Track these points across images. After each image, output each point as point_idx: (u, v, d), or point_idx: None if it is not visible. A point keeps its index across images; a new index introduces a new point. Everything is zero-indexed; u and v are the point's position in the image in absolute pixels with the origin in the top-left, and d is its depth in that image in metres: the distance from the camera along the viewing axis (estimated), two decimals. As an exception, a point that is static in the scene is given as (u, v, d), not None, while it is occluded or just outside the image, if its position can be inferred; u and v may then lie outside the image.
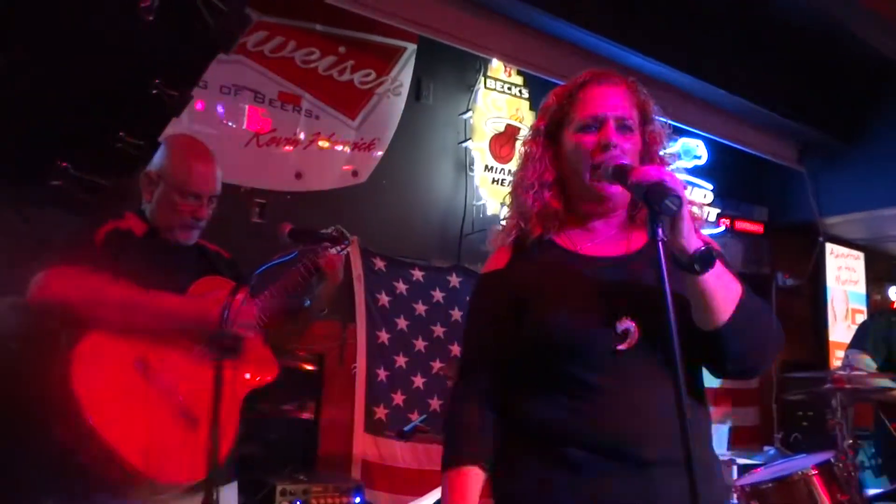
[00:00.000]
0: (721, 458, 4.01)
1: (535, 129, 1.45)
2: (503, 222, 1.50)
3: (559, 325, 1.29)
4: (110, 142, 0.92)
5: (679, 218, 1.16)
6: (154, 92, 0.92)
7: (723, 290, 1.23)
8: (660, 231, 1.13)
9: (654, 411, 1.23)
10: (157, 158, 1.88)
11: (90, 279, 1.66)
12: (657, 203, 1.13)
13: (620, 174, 1.25)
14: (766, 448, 4.56)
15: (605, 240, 1.40)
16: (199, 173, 1.90)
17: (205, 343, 1.81)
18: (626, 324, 1.27)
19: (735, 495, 2.73)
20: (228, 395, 1.77)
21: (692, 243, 1.18)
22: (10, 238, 1.58)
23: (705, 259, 1.18)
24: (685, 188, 1.19)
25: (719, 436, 4.34)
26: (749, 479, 2.84)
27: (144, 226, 1.88)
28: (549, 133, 1.42)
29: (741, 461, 3.66)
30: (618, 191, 1.33)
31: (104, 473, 1.60)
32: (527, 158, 1.44)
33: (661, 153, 1.43)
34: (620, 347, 1.26)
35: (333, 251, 2.07)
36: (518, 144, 1.58)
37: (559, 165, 1.40)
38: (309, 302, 2.09)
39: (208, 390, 1.76)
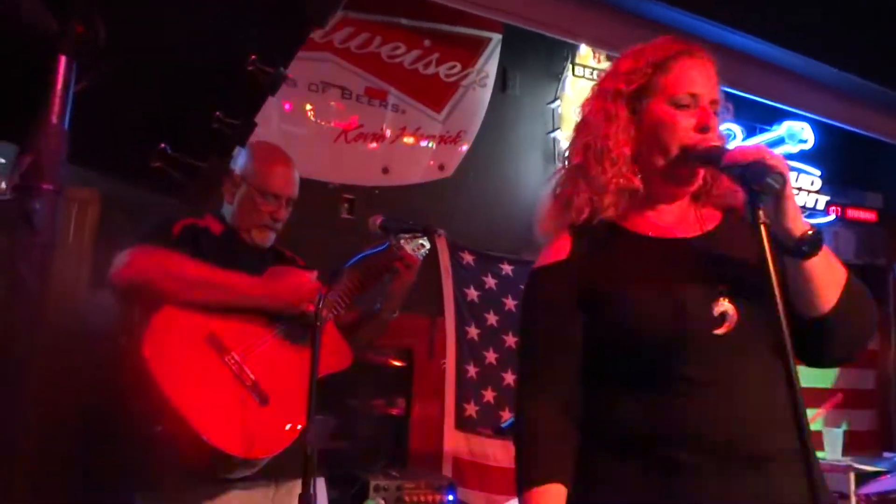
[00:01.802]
0: (837, 464, 3.74)
1: (614, 91, 1.27)
2: (556, 194, 1.31)
3: (649, 314, 1.16)
4: (206, 122, 0.89)
5: (784, 198, 1.06)
6: (250, 69, 0.89)
7: (830, 274, 1.13)
8: (761, 213, 1.02)
9: (762, 401, 1.11)
10: (241, 161, 1.99)
11: (171, 257, 1.71)
12: (758, 182, 1.03)
13: (713, 157, 1.15)
14: (887, 454, 4.21)
15: (675, 221, 1.27)
16: (280, 175, 1.98)
17: (280, 322, 1.84)
18: (723, 306, 1.15)
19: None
20: (300, 378, 1.75)
21: (799, 225, 1.08)
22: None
23: (815, 241, 1.08)
24: (788, 166, 1.07)
25: (833, 440, 4.02)
26: (875, 487, 2.61)
27: (222, 226, 1.96)
28: (631, 100, 1.26)
29: (859, 467, 3.38)
30: (698, 174, 1.24)
31: (177, 442, 1.62)
32: (606, 123, 1.25)
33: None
34: (718, 332, 1.14)
35: (408, 248, 2.05)
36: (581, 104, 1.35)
37: (637, 137, 1.25)
38: (379, 306, 2.08)
39: (280, 370, 1.79)
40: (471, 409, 3.54)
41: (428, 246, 2.10)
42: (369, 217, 2.03)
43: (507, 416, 3.60)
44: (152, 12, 0.77)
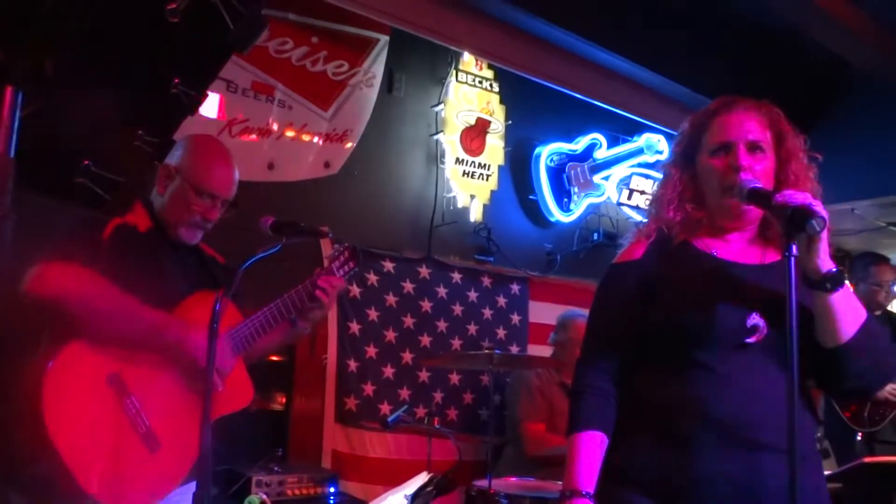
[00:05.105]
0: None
1: (673, 154, 1.64)
2: (639, 228, 1.63)
3: (693, 312, 1.41)
4: (129, 140, 0.93)
5: (819, 240, 1.29)
6: (173, 91, 0.94)
7: (848, 311, 1.36)
8: (794, 248, 1.24)
9: (769, 400, 1.35)
10: (179, 154, 1.86)
11: (88, 281, 1.64)
12: (802, 223, 1.24)
13: (757, 197, 1.38)
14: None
15: (740, 249, 1.52)
16: (219, 175, 1.89)
17: (185, 363, 1.78)
18: (757, 320, 1.39)
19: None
20: (193, 421, 1.72)
21: (826, 264, 1.32)
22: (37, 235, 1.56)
23: (836, 279, 1.33)
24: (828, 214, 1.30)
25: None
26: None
27: (149, 222, 1.85)
28: (685, 157, 1.58)
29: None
30: (751, 209, 1.46)
31: (55, 485, 1.59)
32: (666, 178, 1.61)
33: (797, 168, 1.52)
34: (748, 340, 1.39)
35: (339, 273, 2.08)
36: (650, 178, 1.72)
37: (697, 184, 1.55)
38: (295, 322, 2.08)
39: (176, 415, 1.75)
40: (351, 403, 3.61)
41: (356, 266, 2.14)
42: (261, 216, 2.05)
43: (385, 409, 3.71)
44: (89, 36, 0.79)
